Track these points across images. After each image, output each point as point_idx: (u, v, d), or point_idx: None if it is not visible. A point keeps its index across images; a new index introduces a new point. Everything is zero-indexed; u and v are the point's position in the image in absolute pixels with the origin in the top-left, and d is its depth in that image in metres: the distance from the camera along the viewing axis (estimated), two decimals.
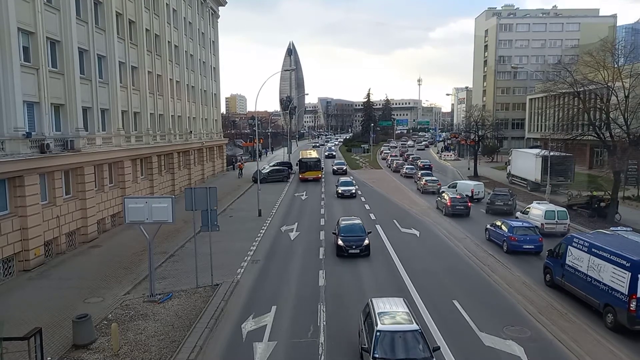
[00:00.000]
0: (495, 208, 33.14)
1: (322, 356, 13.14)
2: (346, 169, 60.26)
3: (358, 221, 24.59)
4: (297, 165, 55.45)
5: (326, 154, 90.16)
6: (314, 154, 58.78)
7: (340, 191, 40.92)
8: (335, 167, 60.05)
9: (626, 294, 14.10)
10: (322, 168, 56.19)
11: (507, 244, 23.75)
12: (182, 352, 13.17)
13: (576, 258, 16.95)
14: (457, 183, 41.35)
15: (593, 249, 16.08)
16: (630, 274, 14.08)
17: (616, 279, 14.66)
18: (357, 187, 43.88)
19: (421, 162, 66.82)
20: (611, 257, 15.08)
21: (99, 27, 28.55)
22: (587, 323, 15.30)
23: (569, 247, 17.53)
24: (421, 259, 22.56)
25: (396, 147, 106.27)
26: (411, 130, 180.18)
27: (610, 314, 14.85)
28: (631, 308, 13.89)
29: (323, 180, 52.46)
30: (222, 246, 23.91)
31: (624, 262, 14.43)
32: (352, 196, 40.28)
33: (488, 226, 26.66)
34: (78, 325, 13.53)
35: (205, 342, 13.95)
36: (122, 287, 18.64)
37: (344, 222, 24.21)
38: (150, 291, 17.30)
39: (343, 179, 45.23)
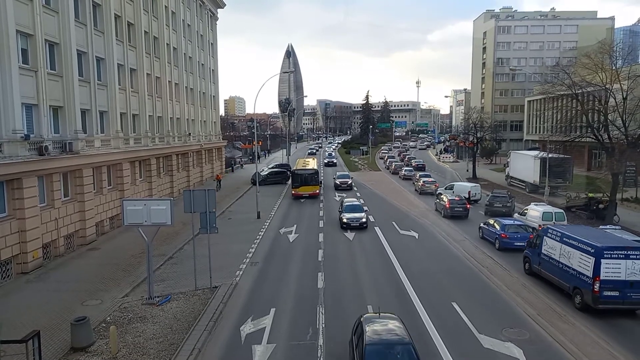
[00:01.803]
0: (494, 210, 33.27)
1: (321, 359, 13.12)
2: (352, 182, 48.95)
3: (397, 327, 11.73)
4: (290, 175, 46.44)
5: (325, 161, 77.27)
6: (311, 164, 48.11)
7: (345, 220, 29.17)
8: (337, 181, 48.91)
9: (591, 277, 15.82)
10: (321, 182, 46.56)
11: (499, 241, 24.64)
12: (181, 355, 13.14)
13: (550, 247, 18.70)
14: (454, 184, 41.59)
15: (564, 238, 17.85)
16: (594, 259, 15.81)
17: (583, 264, 16.42)
18: (368, 210, 33.00)
19: (415, 161, 69.11)
20: (579, 244, 16.82)
21: (97, 29, 28.55)
22: (586, 325, 15.32)
23: (545, 237, 19.23)
24: (420, 261, 22.58)
25: (398, 148, 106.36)
26: (410, 132, 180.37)
27: (578, 295, 16.60)
28: (595, 289, 15.66)
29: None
30: (221, 248, 23.88)
31: (589, 249, 16.18)
32: (362, 227, 29.21)
33: (481, 224, 27.46)
34: (76, 328, 13.50)
35: (204, 344, 13.91)
36: (121, 290, 18.62)
37: (370, 330, 11.42)
38: (148, 294, 17.27)
39: (349, 200, 32.73)
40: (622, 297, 15.56)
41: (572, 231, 18.23)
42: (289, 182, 51.22)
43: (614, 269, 15.59)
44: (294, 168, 46.64)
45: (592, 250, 16.00)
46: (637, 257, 15.60)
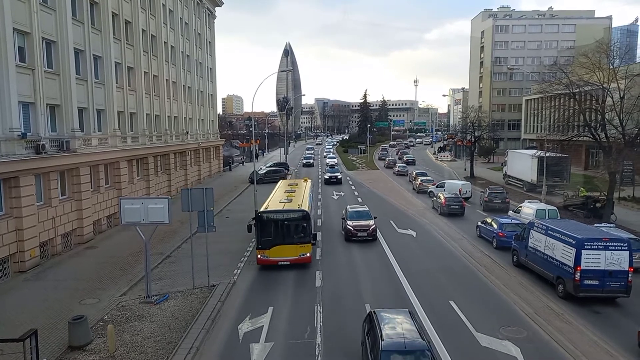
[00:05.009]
0: (493, 205, 34.65)
1: (319, 357, 13.12)
2: (374, 228, 26.32)
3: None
4: (253, 223, 21.28)
5: (326, 176, 52.80)
6: (297, 195, 25.69)
7: None
8: (350, 225, 26.08)
9: (572, 266, 16.79)
10: (315, 235, 22.21)
11: (496, 240, 24.95)
12: (179, 354, 13.13)
13: (536, 240, 19.72)
14: (444, 182, 41.90)
15: (549, 231, 18.83)
16: (575, 250, 16.79)
17: (565, 254, 17.41)
18: (425, 331, 13.46)
19: (406, 157, 74.46)
20: (562, 237, 17.83)
21: (95, 27, 28.46)
22: (584, 324, 15.37)
23: (531, 230, 20.31)
24: (418, 260, 22.61)
25: (395, 147, 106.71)
26: (408, 131, 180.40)
27: (561, 284, 17.66)
28: (576, 278, 16.67)
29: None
30: (219, 247, 23.84)
31: (571, 240, 17.18)
32: None
33: (479, 223, 27.84)
34: (74, 326, 13.48)
35: (202, 343, 13.91)
36: (118, 289, 18.60)
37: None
38: (146, 292, 17.25)
39: (393, 321, 11.84)
40: (601, 286, 16.59)
41: (556, 224, 19.26)
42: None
43: (594, 259, 16.55)
44: (263, 207, 23.14)
45: (574, 242, 16.99)
46: (616, 248, 16.57)
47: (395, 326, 11.41)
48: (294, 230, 21.27)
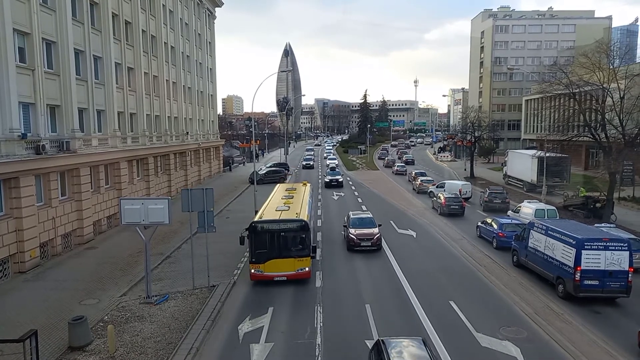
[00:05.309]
0: (493, 205, 34.75)
1: (319, 358, 13.12)
2: (379, 237, 24.40)
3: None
4: (246, 234, 19.41)
5: (327, 180, 50.17)
6: (295, 200, 23.91)
7: None
8: (353, 234, 24.28)
9: (572, 267, 16.81)
10: (314, 249, 19.96)
11: (496, 240, 24.99)
12: (179, 354, 13.13)
13: (536, 240, 19.76)
14: (444, 183, 41.92)
15: (549, 231, 18.88)
16: (575, 250, 16.83)
17: (565, 255, 17.45)
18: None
19: (405, 157, 75.76)
20: (562, 237, 17.87)
21: (95, 28, 28.48)
22: (584, 324, 15.36)
23: (531, 231, 20.35)
24: (418, 260, 22.61)
25: (396, 147, 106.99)
26: (408, 132, 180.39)
27: (561, 284, 17.72)
28: (576, 278, 16.70)
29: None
30: (219, 247, 23.85)
31: (571, 241, 17.22)
32: None
33: (479, 223, 27.89)
34: (74, 327, 13.48)
35: (202, 343, 13.91)
36: (118, 289, 18.60)
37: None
38: (146, 293, 17.25)
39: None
40: (601, 286, 16.62)
41: (556, 225, 19.29)
42: (287, 181, 49.88)
43: (594, 260, 16.58)
44: (257, 216, 21.53)
45: (574, 242, 17.03)
46: (616, 248, 16.60)
47: (407, 358, 10.33)
48: (291, 242, 19.31)
